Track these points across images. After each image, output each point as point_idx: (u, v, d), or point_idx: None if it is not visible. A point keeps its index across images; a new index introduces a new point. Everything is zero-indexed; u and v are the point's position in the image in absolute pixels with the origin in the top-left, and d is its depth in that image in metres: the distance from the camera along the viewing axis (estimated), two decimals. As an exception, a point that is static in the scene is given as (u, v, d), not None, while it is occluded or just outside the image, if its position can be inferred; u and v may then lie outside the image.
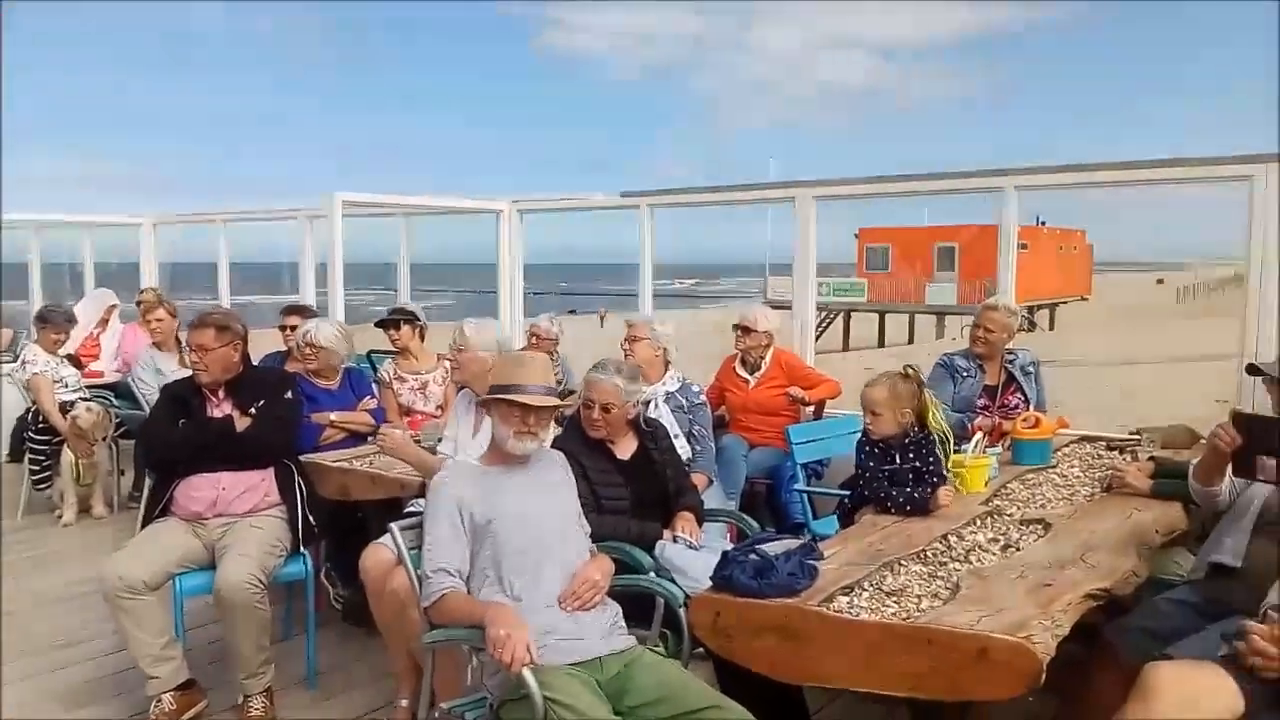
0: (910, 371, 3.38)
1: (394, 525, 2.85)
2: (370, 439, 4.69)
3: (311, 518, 3.85)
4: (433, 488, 2.79)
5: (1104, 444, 4.30)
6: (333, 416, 4.60)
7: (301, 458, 4.05)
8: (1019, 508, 3.30)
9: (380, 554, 3.36)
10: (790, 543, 2.64)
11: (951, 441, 3.41)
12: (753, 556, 2.54)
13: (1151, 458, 3.76)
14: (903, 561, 2.74)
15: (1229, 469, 2.80)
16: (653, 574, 3.08)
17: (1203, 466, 2.89)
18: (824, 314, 39.41)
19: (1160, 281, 69.10)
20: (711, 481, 4.26)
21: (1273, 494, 2.71)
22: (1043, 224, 39.99)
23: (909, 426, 3.34)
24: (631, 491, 3.39)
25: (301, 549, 3.80)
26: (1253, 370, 3.53)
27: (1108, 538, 2.94)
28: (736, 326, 5.17)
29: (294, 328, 5.04)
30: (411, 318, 5.07)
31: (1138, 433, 4.36)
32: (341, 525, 4.18)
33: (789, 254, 5.51)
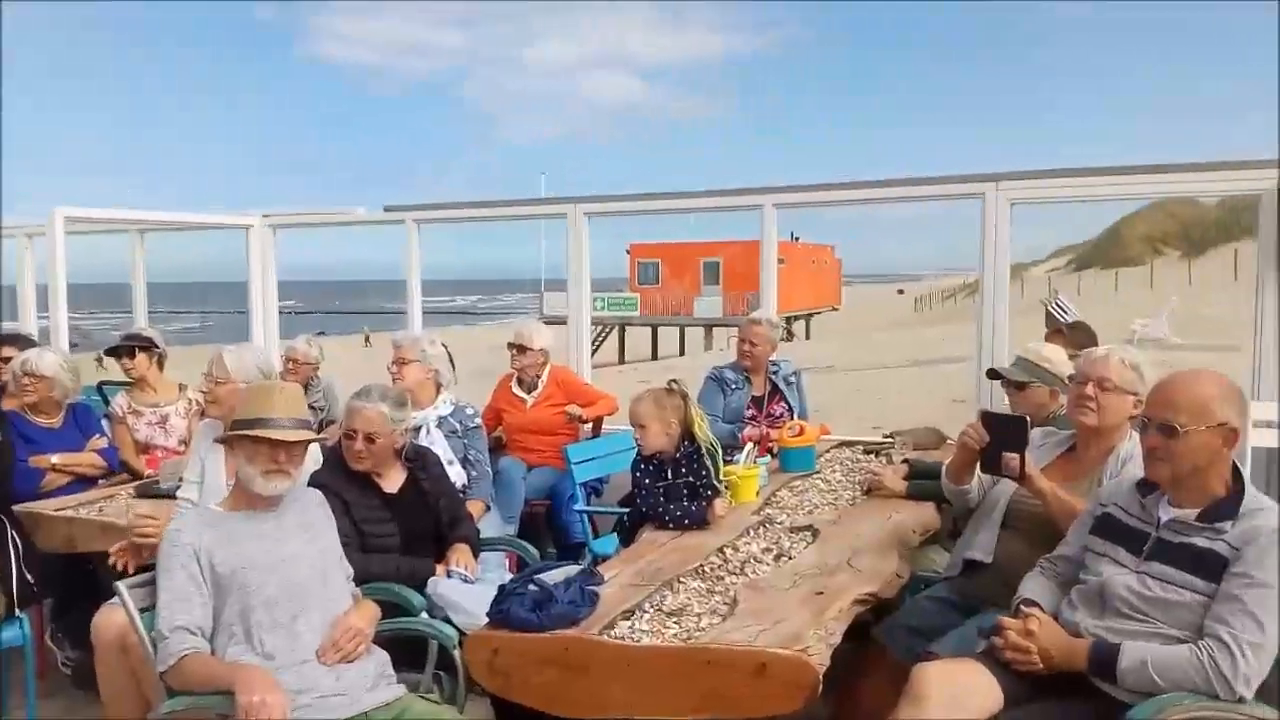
0: (674, 385, 3.39)
1: (121, 585, 2.51)
2: (100, 482, 4.21)
3: (29, 575, 3.38)
4: (166, 537, 2.49)
5: (861, 448, 4.52)
6: (54, 459, 4.10)
7: (16, 507, 3.57)
8: (789, 515, 3.38)
9: (113, 615, 2.98)
10: (570, 569, 2.56)
11: (720, 453, 3.45)
12: (531, 587, 2.44)
13: (905, 460, 3.97)
14: (682, 579, 2.72)
15: (978, 467, 2.96)
16: (424, 614, 2.91)
17: (954, 466, 3.06)
18: (600, 328, 40.01)
19: (901, 291, 75.15)
20: (489, 508, 4.11)
21: (1018, 490, 2.89)
22: (797, 240, 42.47)
23: (678, 440, 3.35)
24: (400, 526, 3.18)
25: (17, 612, 3.34)
26: (993, 374, 3.81)
27: (871, 541, 3.05)
28: (511, 345, 5.05)
29: (8, 359, 4.47)
30: (148, 344, 4.60)
31: (891, 436, 4.61)
32: (69, 580, 3.71)
33: (564, 270, 5.46)
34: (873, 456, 4.35)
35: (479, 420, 4.29)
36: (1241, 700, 2.07)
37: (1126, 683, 2.14)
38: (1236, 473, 2.29)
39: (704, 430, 3.41)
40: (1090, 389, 2.83)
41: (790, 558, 2.91)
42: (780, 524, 3.28)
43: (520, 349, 4.98)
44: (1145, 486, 2.39)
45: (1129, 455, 2.72)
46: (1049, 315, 5.23)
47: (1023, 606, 2.39)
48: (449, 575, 3.16)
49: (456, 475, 3.99)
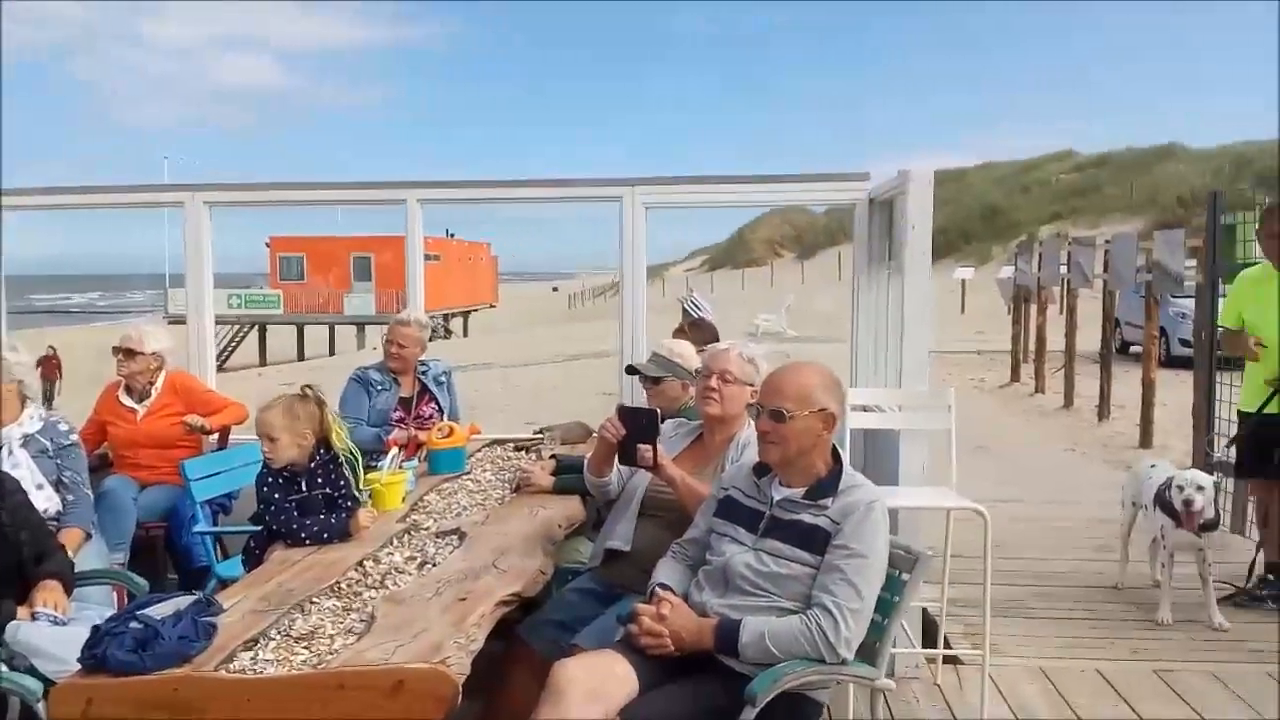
0: (308, 391, 3.18)
1: None
2: None
3: None
4: None
5: (512, 445, 4.52)
6: None
7: None
8: (435, 520, 3.28)
9: None
10: (181, 600, 2.29)
11: (360, 460, 3.28)
12: (133, 624, 2.15)
13: (553, 455, 4.02)
14: (315, 599, 2.54)
15: (616, 459, 3.06)
16: (2, 666, 2.48)
17: (594, 459, 3.14)
18: (236, 328, 37.15)
19: (555, 289, 77.36)
20: (89, 536, 3.60)
21: (654, 479, 3.01)
22: (452, 236, 42.23)
23: (313, 450, 3.14)
24: (-36, 567, 2.70)
25: None
26: (631, 370, 3.96)
27: (517, 539, 3.04)
28: (117, 349, 4.48)
29: None
30: None
31: (541, 432, 4.66)
32: None
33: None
34: (523, 453, 4.37)
35: (74, 437, 3.74)
36: (844, 662, 2.29)
37: (748, 656, 2.29)
38: (836, 454, 2.54)
39: (342, 438, 3.22)
40: (714, 381, 3.02)
41: (435, 565, 2.82)
42: (426, 530, 3.17)
43: (128, 353, 4.43)
44: (760, 469, 2.57)
45: (748, 441, 2.93)
46: (684, 312, 5.56)
47: (656, 591, 2.49)
48: (34, 618, 2.72)
49: (48, 501, 3.47)
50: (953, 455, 3.75)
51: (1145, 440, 9.38)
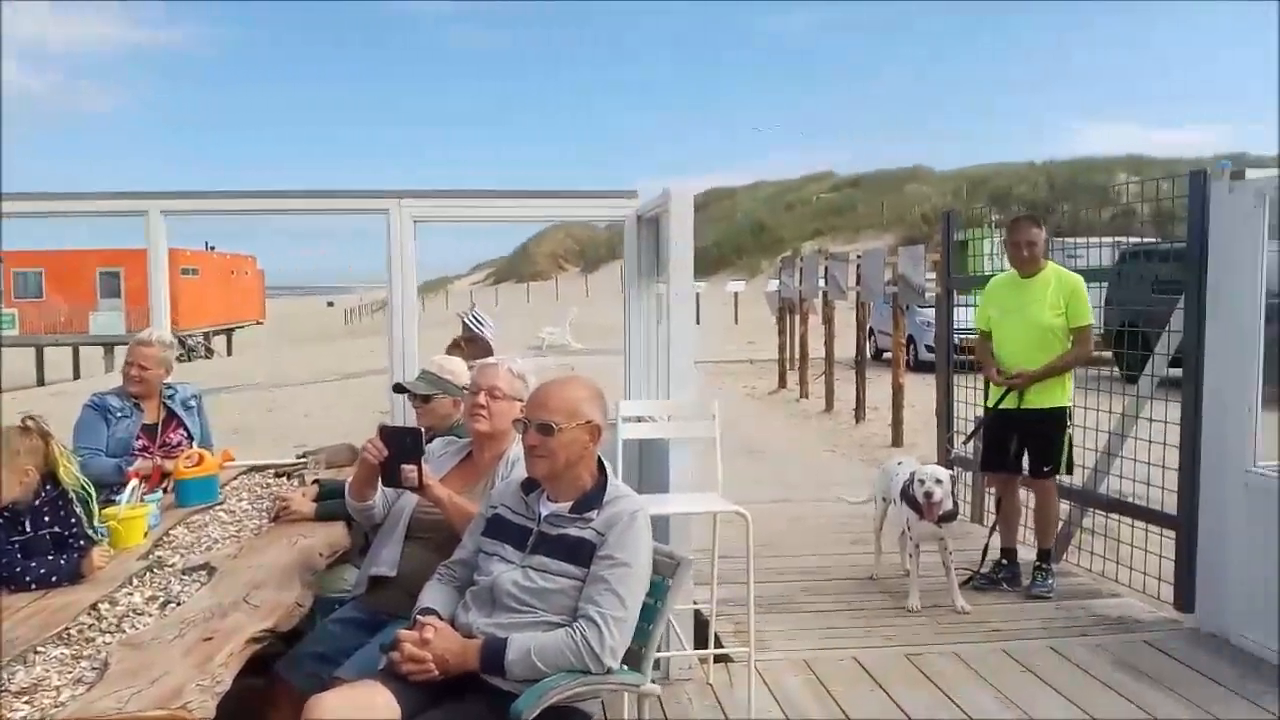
0: (30, 423, 2.88)
1: None
2: None
3: None
4: None
5: (272, 471, 4.29)
6: None
7: None
8: (182, 556, 3.05)
9: None
10: None
11: (94, 495, 3.01)
12: None
13: (316, 480, 3.84)
14: (39, 648, 2.30)
15: (379, 481, 2.95)
16: None
17: (355, 482, 3.02)
18: (-39, 352, 33.24)
19: (331, 304, 74.31)
20: None
21: (421, 500, 2.93)
22: (212, 249, 39.70)
23: (38, 486, 2.85)
24: None
25: None
26: (399, 389, 3.85)
27: (273, 571, 2.87)
28: None
29: None
30: None
31: (304, 455, 4.44)
32: None
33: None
34: (284, 480, 4.14)
35: None
36: (610, 671, 2.32)
37: (515, 674, 2.28)
38: (601, 466, 2.57)
39: (72, 471, 2.94)
40: (482, 398, 2.99)
41: (179, 603, 2.62)
42: (171, 567, 2.94)
43: None
44: (528, 485, 2.57)
45: (518, 457, 2.92)
46: (465, 326, 5.47)
47: (419, 616, 2.43)
48: None
49: None
50: (718, 461, 3.89)
51: (896, 439, 10.13)
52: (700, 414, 4.00)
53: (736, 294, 30.50)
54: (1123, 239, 7.47)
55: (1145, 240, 8.07)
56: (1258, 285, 4.07)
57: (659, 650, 3.88)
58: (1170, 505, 4.64)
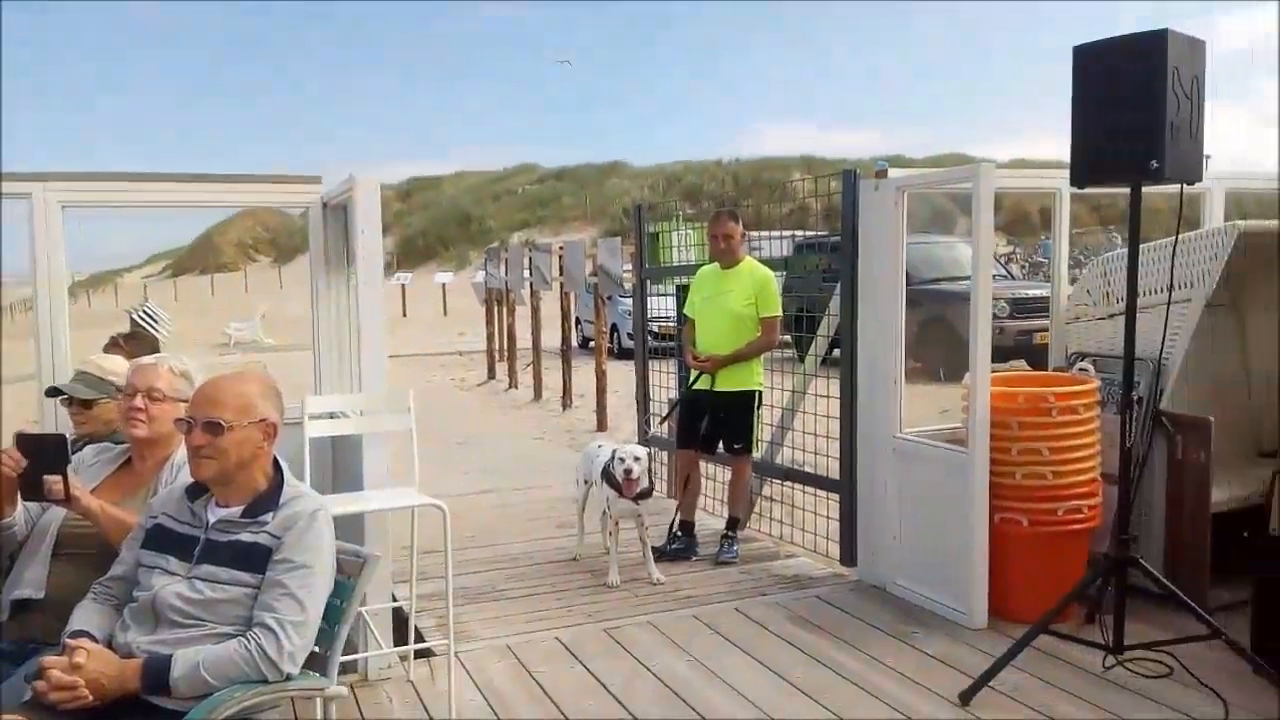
0: None
1: None
2: None
3: None
4: None
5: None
6: None
7: None
8: None
9: None
10: None
11: None
12: None
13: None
14: None
15: (19, 495, 2.63)
16: None
17: (-12, 499, 2.67)
18: None
19: (-23, 302, 65.11)
20: None
21: (69, 514, 2.65)
22: None
23: None
24: None
25: None
26: (53, 392, 3.45)
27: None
28: None
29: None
30: None
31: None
32: None
33: None
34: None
35: None
36: (289, 677, 2.22)
37: (181, 691, 2.13)
38: (277, 465, 2.45)
39: None
40: (140, 400, 2.75)
41: None
42: None
43: None
44: (195, 491, 2.40)
45: (183, 462, 2.72)
46: (133, 323, 4.98)
47: (68, 640, 2.20)
48: None
49: None
50: (414, 454, 3.83)
51: (601, 424, 10.45)
52: (395, 407, 3.92)
53: (444, 285, 30.09)
54: (799, 232, 8.18)
55: (818, 233, 8.87)
56: (898, 273, 4.60)
57: (356, 651, 3.78)
58: (835, 472, 5.14)
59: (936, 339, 10.63)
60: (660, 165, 51.57)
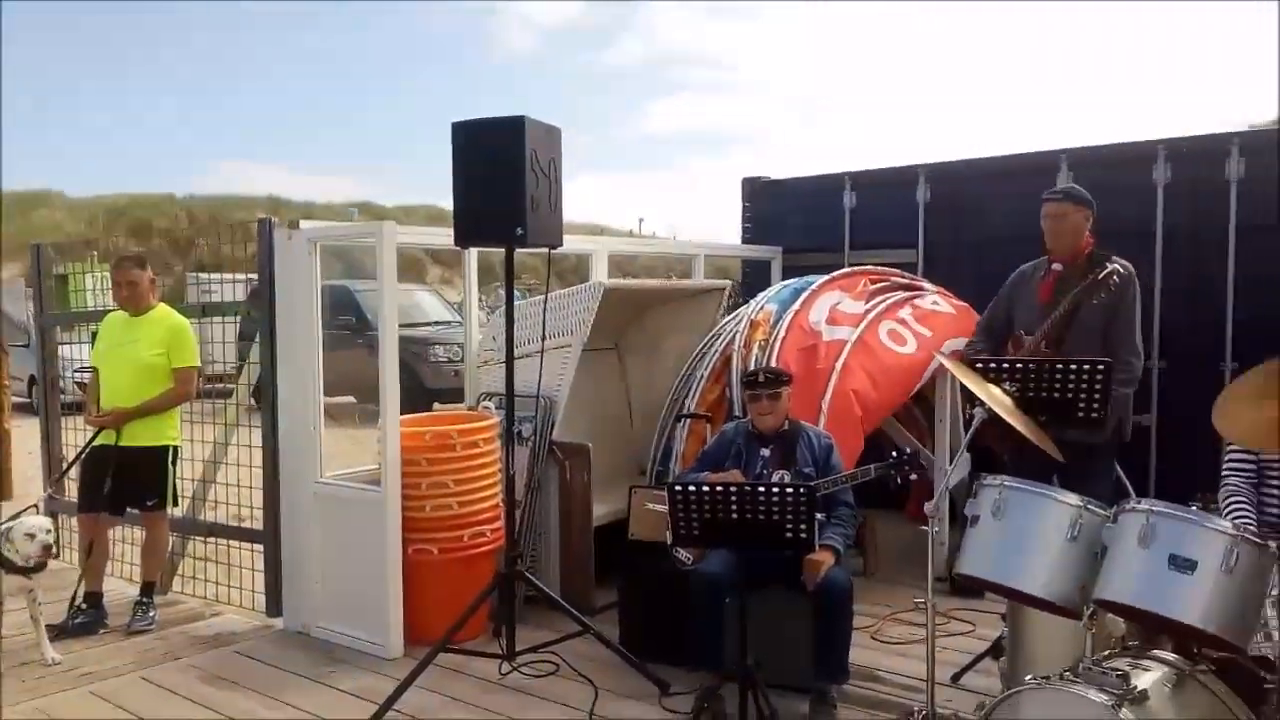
0: None
1: None
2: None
3: None
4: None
5: None
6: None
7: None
8: None
9: None
10: None
11: None
12: None
13: None
14: None
15: None
16: None
17: None
18: None
19: None
20: None
21: None
22: None
23: None
24: None
25: None
26: None
27: None
28: None
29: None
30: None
31: None
32: None
33: None
34: None
35: None
36: None
37: None
38: None
39: None
40: None
41: None
42: None
43: None
44: None
45: None
46: None
47: None
48: None
49: None
50: None
51: (5, 491, 9.08)
52: None
53: None
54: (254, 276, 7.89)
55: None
56: (312, 321, 4.72)
57: None
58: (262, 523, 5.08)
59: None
60: (100, 196, 45.96)
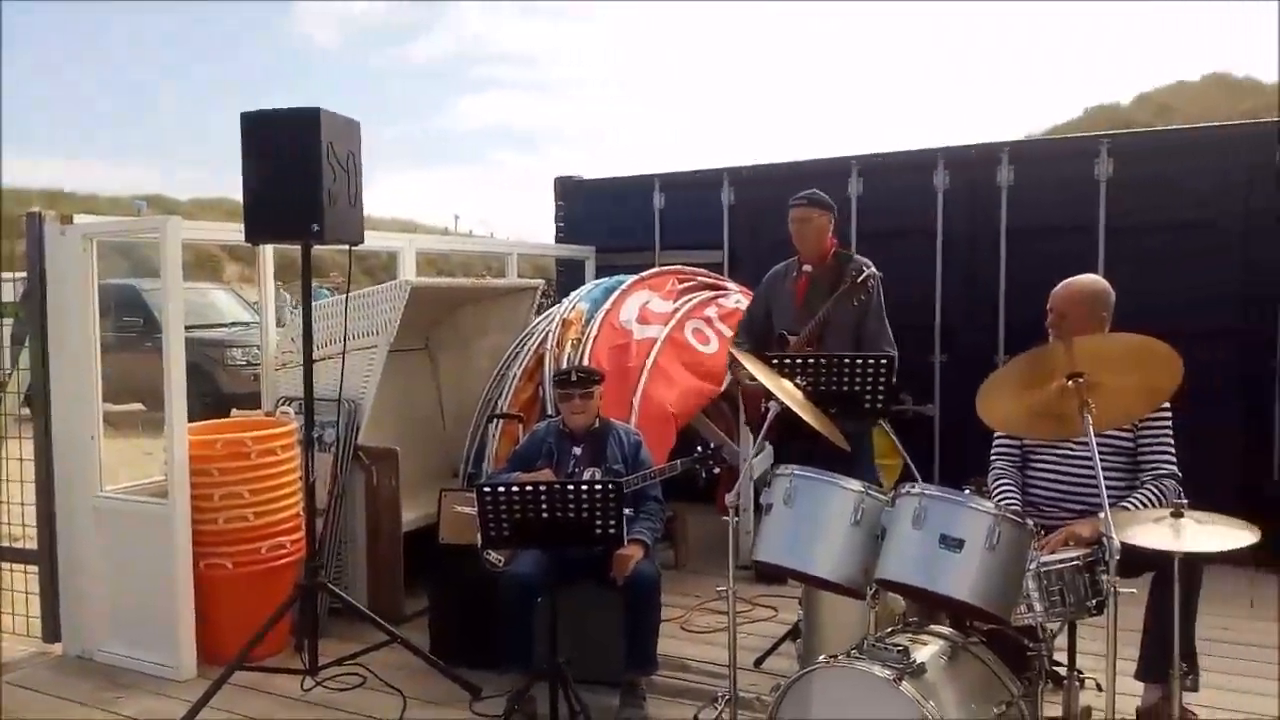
0: None
1: None
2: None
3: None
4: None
5: None
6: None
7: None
8: None
9: None
10: None
11: None
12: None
13: None
14: None
15: None
16: None
17: None
18: None
19: None
20: None
21: None
22: None
23: None
24: None
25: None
26: None
27: None
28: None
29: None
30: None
31: None
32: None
33: None
34: None
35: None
36: None
37: None
38: None
39: None
40: None
41: None
42: None
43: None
44: None
45: None
46: None
47: None
48: None
49: None
50: None
51: None
52: None
53: None
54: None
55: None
56: (89, 322, 4.39)
57: None
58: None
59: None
60: None
